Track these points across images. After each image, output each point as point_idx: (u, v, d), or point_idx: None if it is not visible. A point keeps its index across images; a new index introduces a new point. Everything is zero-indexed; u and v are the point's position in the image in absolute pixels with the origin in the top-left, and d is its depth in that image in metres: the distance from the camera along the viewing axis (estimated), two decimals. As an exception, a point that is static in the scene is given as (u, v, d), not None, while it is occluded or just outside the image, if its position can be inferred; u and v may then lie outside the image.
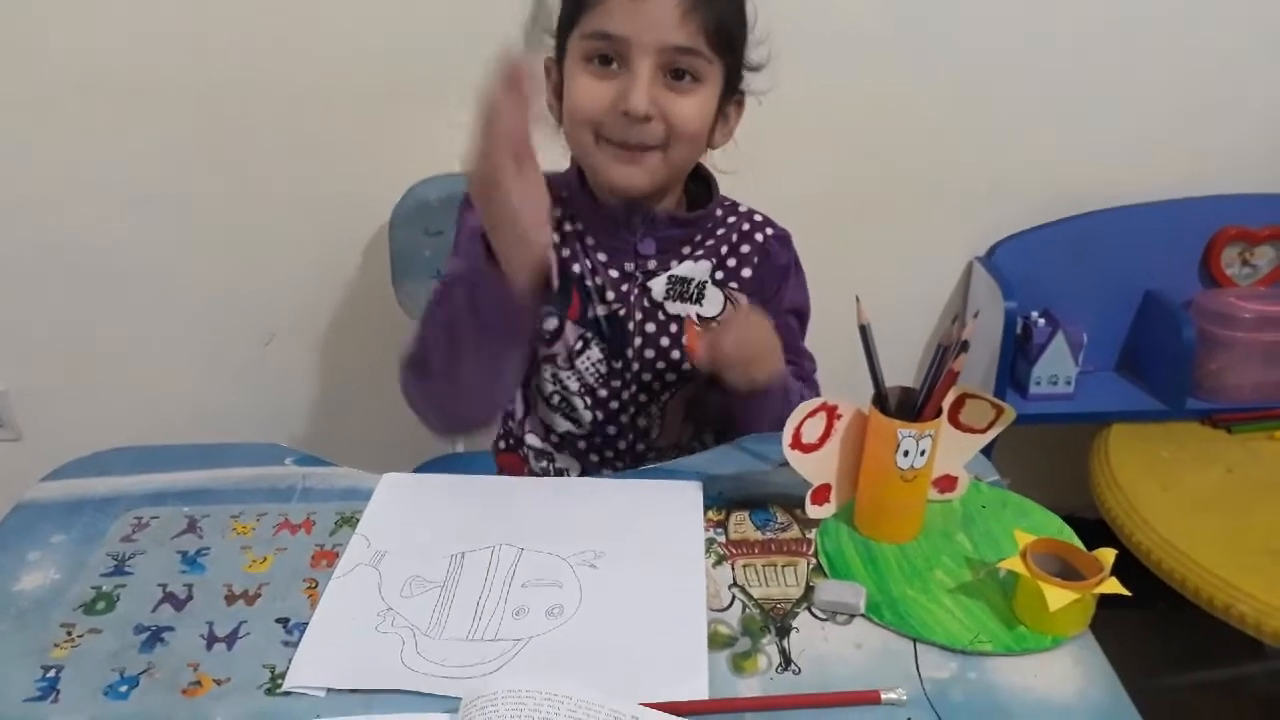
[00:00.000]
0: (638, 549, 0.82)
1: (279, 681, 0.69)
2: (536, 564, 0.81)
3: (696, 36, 0.89)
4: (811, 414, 0.81)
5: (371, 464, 0.94)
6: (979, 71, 1.55)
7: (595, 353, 1.03)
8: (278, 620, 0.75)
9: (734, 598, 0.77)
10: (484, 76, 0.76)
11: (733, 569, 0.81)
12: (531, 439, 1.10)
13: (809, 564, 0.81)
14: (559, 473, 1.10)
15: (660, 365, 1.04)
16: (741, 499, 0.89)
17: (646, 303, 1.02)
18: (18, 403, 1.67)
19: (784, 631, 0.74)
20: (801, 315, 1.13)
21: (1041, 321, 1.60)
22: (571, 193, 1.00)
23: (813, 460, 0.83)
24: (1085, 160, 1.63)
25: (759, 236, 1.06)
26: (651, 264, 1.02)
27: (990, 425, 0.84)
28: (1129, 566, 0.77)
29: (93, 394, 1.65)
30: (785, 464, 0.84)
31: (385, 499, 0.89)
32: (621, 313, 1.02)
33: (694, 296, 1.03)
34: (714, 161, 1.05)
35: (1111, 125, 1.60)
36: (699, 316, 1.04)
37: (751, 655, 0.72)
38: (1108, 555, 0.74)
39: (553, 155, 0.97)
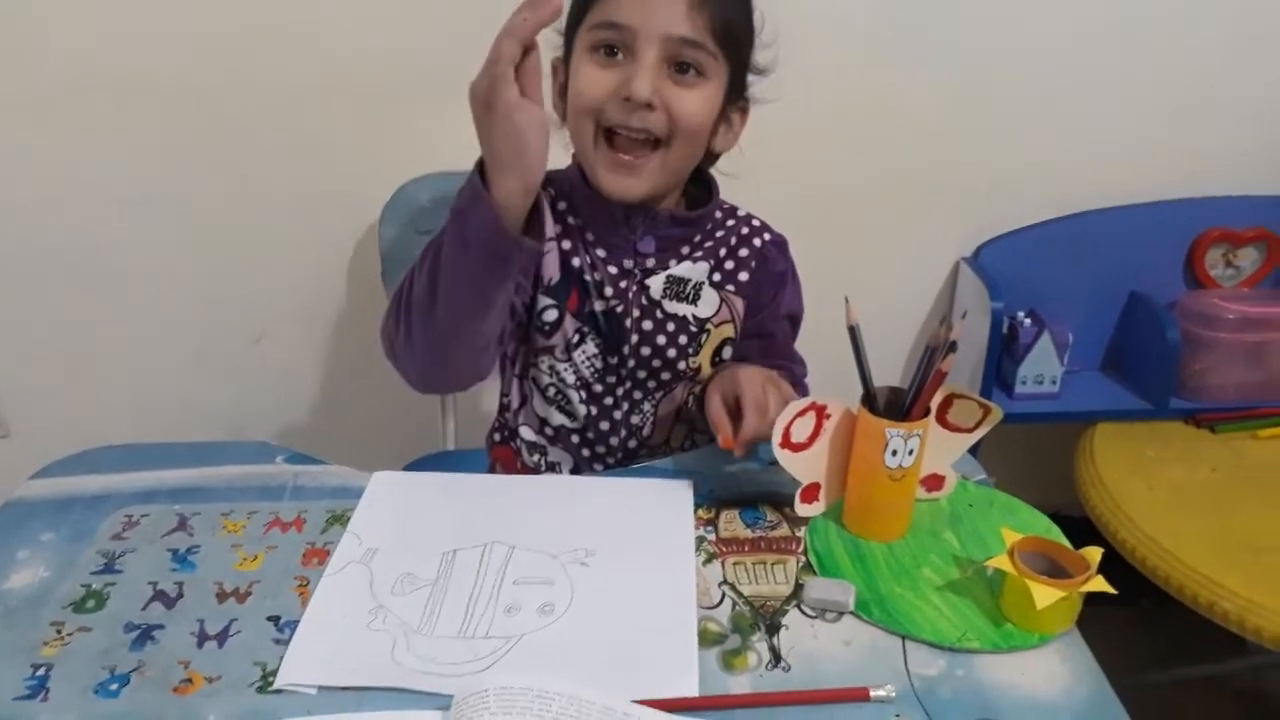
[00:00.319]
0: (629, 547, 0.83)
1: (270, 679, 0.69)
2: (528, 562, 0.81)
3: (703, 30, 0.90)
4: (801, 413, 0.82)
5: (362, 461, 0.94)
6: (967, 75, 1.56)
7: (591, 347, 1.03)
8: (269, 618, 0.75)
9: (724, 595, 0.78)
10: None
11: (723, 567, 0.81)
12: (525, 431, 1.11)
13: (798, 562, 0.82)
14: (551, 466, 1.10)
15: (656, 363, 1.04)
16: (731, 497, 0.90)
17: (644, 300, 1.03)
18: (7, 400, 1.66)
19: (774, 629, 0.75)
20: (796, 320, 1.14)
21: (1028, 321, 1.61)
22: (573, 188, 1.01)
23: (802, 459, 0.84)
24: (1071, 162, 1.64)
25: (756, 241, 1.07)
26: (650, 262, 1.02)
27: (978, 425, 0.85)
28: (1114, 564, 0.78)
29: (82, 392, 1.64)
30: (775, 463, 0.85)
31: (376, 497, 0.89)
32: (619, 309, 1.02)
33: (690, 297, 1.04)
34: (716, 165, 1.05)
35: (1097, 128, 1.61)
36: (695, 317, 1.04)
37: (742, 652, 0.72)
38: (1094, 554, 0.75)
39: (556, 154, 0.98)
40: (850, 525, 0.85)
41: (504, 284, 0.85)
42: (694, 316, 1.04)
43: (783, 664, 0.71)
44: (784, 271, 1.10)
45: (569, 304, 1.02)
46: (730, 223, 1.07)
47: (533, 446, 1.11)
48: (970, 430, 0.86)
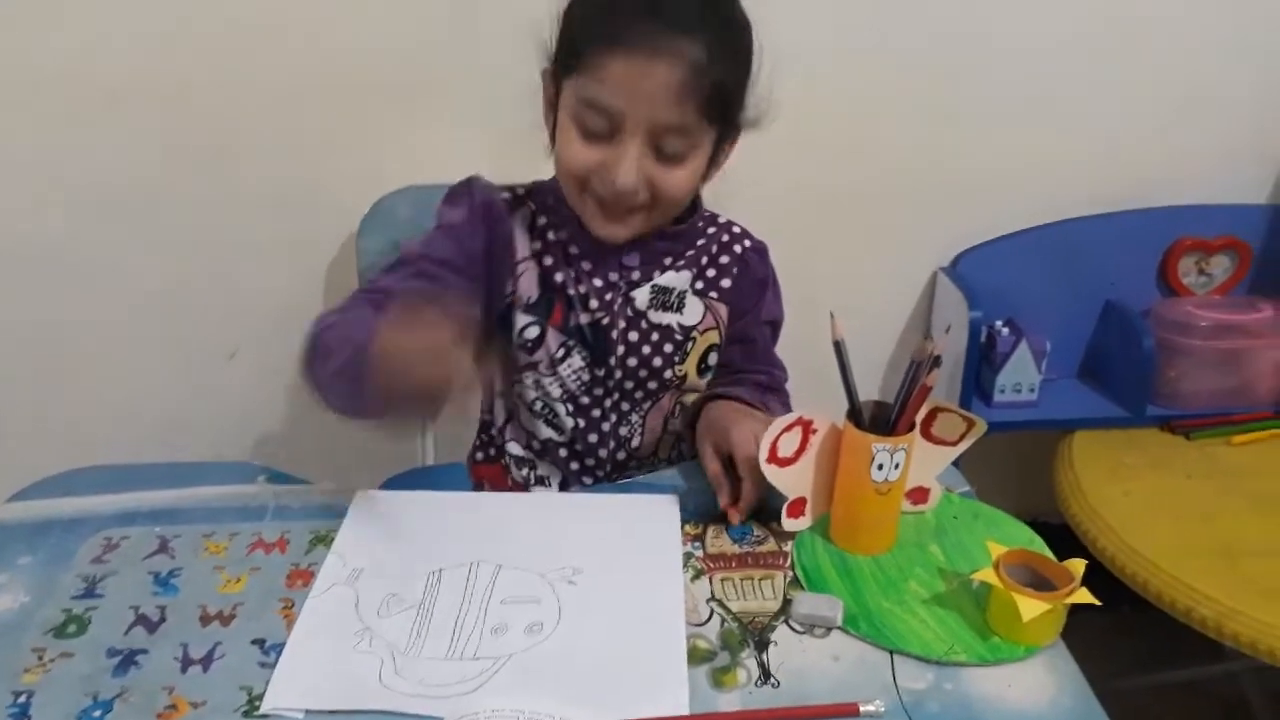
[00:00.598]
0: (616, 564, 0.83)
1: (256, 703, 0.68)
2: (514, 581, 0.81)
3: (692, 113, 0.89)
4: (787, 428, 0.82)
5: (340, 477, 0.93)
6: (941, 86, 1.57)
7: (578, 360, 1.03)
8: (254, 641, 0.74)
9: (712, 612, 0.78)
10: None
11: (710, 583, 0.81)
12: (513, 446, 1.11)
13: (786, 577, 0.82)
14: (540, 480, 1.10)
15: (643, 373, 1.04)
16: (718, 513, 0.90)
17: (630, 312, 1.03)
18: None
19: (762, 645, 0.75)
20: (776, 326, 1.15)
21: (1005, 331, 1.62)
22: (557, 201, 1.00)
23: (788, 474, 0.84)
24: (1045, 172, 1.65)
25: (737, 248, 1.08)
26: (635, 274, 1.03)
27: (962, 438, 0.86)
28: (1093, 570, 0.79)
29: (57, 407, 1.62)
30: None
31: (360, 517, 0.89)
32: (605, 321, 1.02)
33: (675, 306, 1.04)
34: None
35: (1069, 138, 1.63)
36: (680, 326, 1.04)
37: (731, 669, 0.72)
38: (1078, 566, 0.76)
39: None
40: (837, 539, 0.85)
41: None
42: (679, 325, 1.05)
43: (772, 680, 0.72)
44: (765, 278, 1.10)
45: (552, 319, 1.02)
46: (711, 230, 1.08)
47: (521, 461, 1.10)
48: (954, 443, 0.86)
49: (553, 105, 0.96)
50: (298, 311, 1.60)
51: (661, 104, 0.87)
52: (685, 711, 0.68)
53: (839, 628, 0.76)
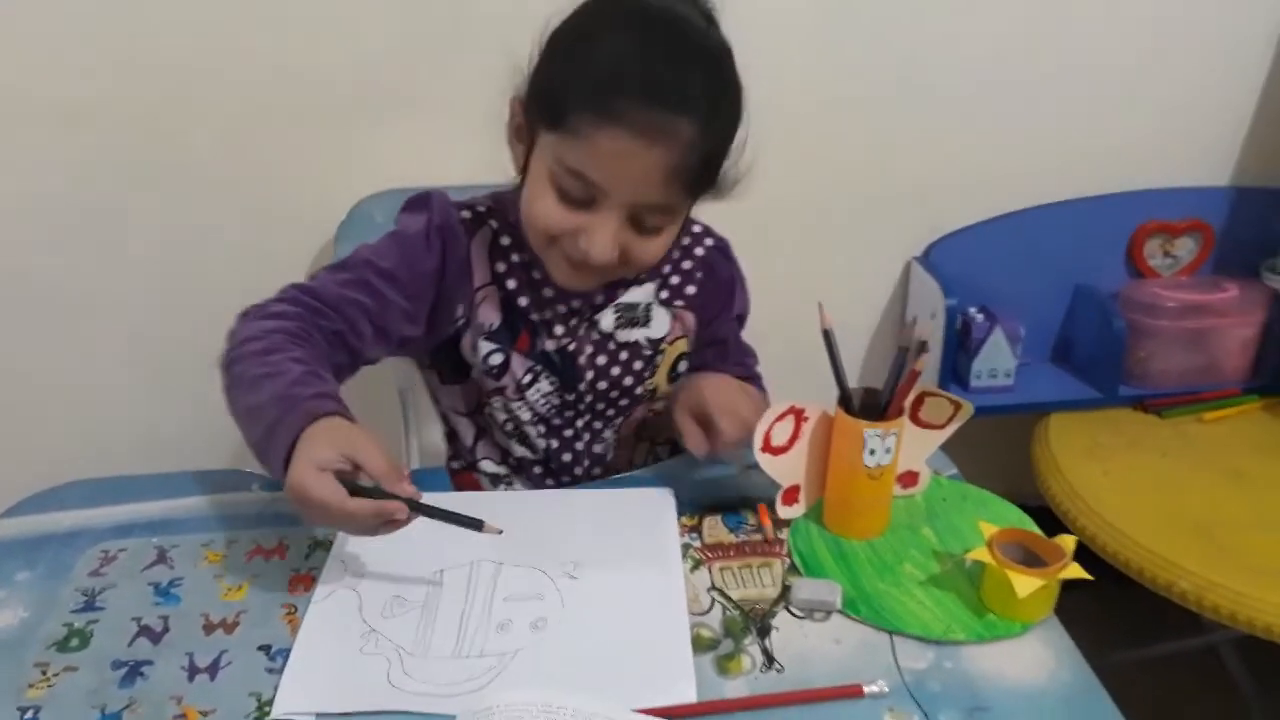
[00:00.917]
0: (615, 557, 0.84)
1: (266, 709, 0.69)
2: (516, 577, 0.81)
3: (678, 193, 0.86)
4: (780, 417, 0.83)
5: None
6: (907, 80, 1.59)
7: (546, 385, 1.01)
8: (259, 648, 0.74)
9: (713, 601, 0.79)
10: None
11: (710, 572, 0.82)
12: (486, 464, 1.09)
13: (783, 564, 0.83)
14: None
15: (614, 394, 1.04)
16: (713, 504, 0.91)
17: (596, 335, 1.01)
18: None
19: (764, 631, 0.76)
20: (743, 318, 1.14)
21: (980, 317, 1.65)
22: (519, 219, 0.94)
23: (782, 462, 0.85)
24: (1013, 161, 1.68)
25: (699, 250, 1.06)
26: (599, 297, 1.00)
27: (949, 421, 0.87)
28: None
29: (39, 423, 1.60)
30: (752, 467, 0.86)
31: (358, 520, 0.89)
32: (571, 347, 1.01)
33: (642, 320, 1.03)
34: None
35: (1036, 127, 1.66)
36: (648, 340, 1.03)
37: (735, 656, 0.74)
38: (1069, 541, 0.78)
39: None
40: (831, 525, 0.87)
41: None
42: (647, 339, 1.03)
43: (776, 665, 0.73)
44: (730, 279, 1.09)
45: (518, 345, 1.00)
46: None
47: (495, 478, 1.09)
48: (942, 427, 0.88)
49: (521, 138, 0.91)
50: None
51: (649, 186, 0.84)
52: (693, 699, 0.69)
53: (839, 611, 0.78)
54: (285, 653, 0.73)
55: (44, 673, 0.72)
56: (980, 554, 0.77)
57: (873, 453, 0.81)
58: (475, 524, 0.78)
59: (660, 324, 1.04)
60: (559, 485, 1.08)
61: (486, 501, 0.99)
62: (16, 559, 0.83)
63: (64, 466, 0.99)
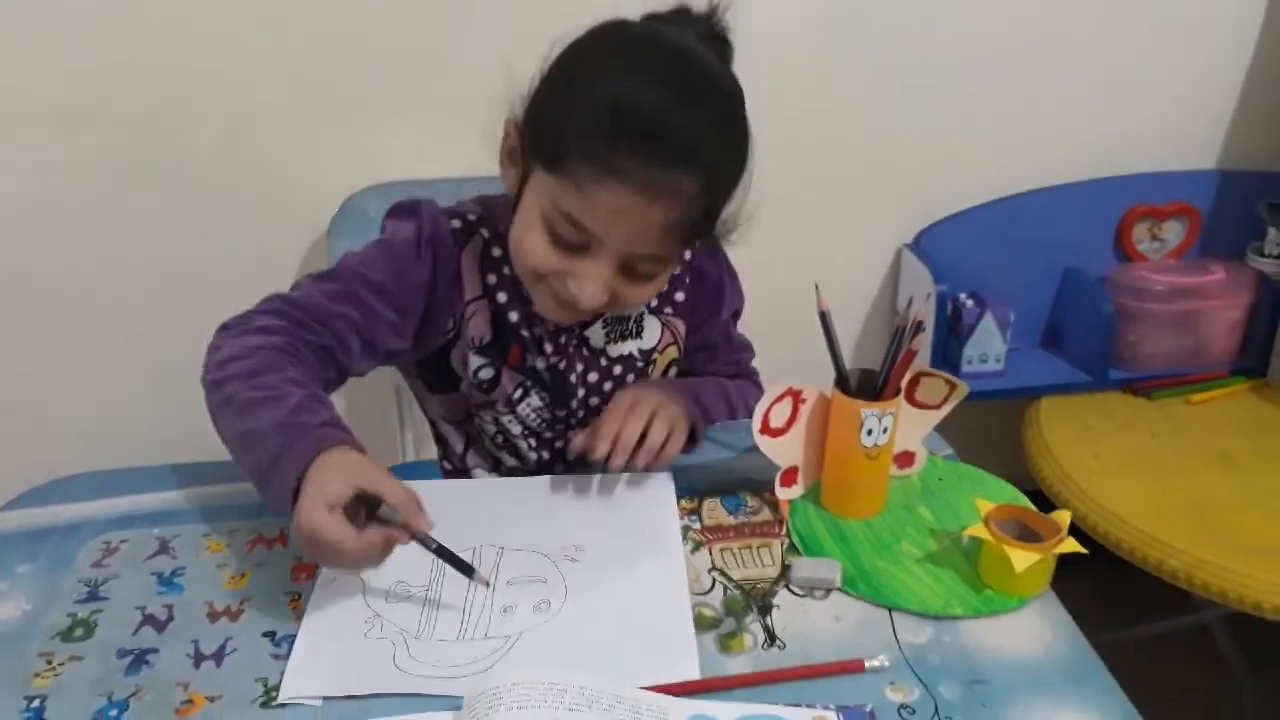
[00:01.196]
0: (616, 540, 0.85)
1: (273, 694, 0.69)
2: (519, 561, 0.82)
3: (675, 244, 0.84)
4: (778, 399, 0.84)
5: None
6: (899, 69, 1.60)
7: (536, 400, 1.00)
8: (265, 634, 0.75)
9: (714, 581, 0.80)
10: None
11: (710, 553, 0.83)
12: (478, 472, 1.07)
13: (783, 544, 0.84)
14: None
15: (605, 407, 0.99)
16: (711, 486, 0.92)
17: (586, 351, 1.00)
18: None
19: (765, 610, 0.77)
20: (737, 314, 1.12)
21: (970, 303, 1.66)
22: (508, 233, 0.91)
23: (780, 444, 0.86)
24: (1002, 148, 1.69)
25: (687, 254, 1.03)
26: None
27: (944, 401, 0.88)
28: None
29: (37, 421, 1.60)
30: (750, 450, 0.87)
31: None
32: (562, 365, 0.99)
33: (633, 332, 1.02)
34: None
35: (1025, 114, 1.67)
36: (640, 351, 1.02)
37: (737, 634, 0.74)
38: (1064, 516, 0.79)
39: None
40: (829, 505, 0.87)
41: None
42: (639, 351, 1.02)
43: (778, 643, 0.74)
44: (719, 278, 1.07)
45: (509, 359, 0.98)
46: None
47: None
48: (938, 406, 0.89)
49: (515, 161, 0.88)
50: (269, 315, 1.61)
51: (646, 239, 0.82)
52: (696, 676, 0.70)
53: (838, 589, 0.78)
54: (290, 639, 0.74)
55: (49, 662, 0.72)
56: (977, 530, 0.78)
57: (870, 432, 0.82)
58: (468, 569, 0.77)
59: (651, 333, 1.03)
60: None
61: (485, 488, 1.00)
62: (18, 551, 0.83)
63: (63, 465, 0.99)
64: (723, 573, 0.81)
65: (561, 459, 1.05)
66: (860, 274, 1.77)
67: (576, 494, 0.91)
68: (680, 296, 1.04)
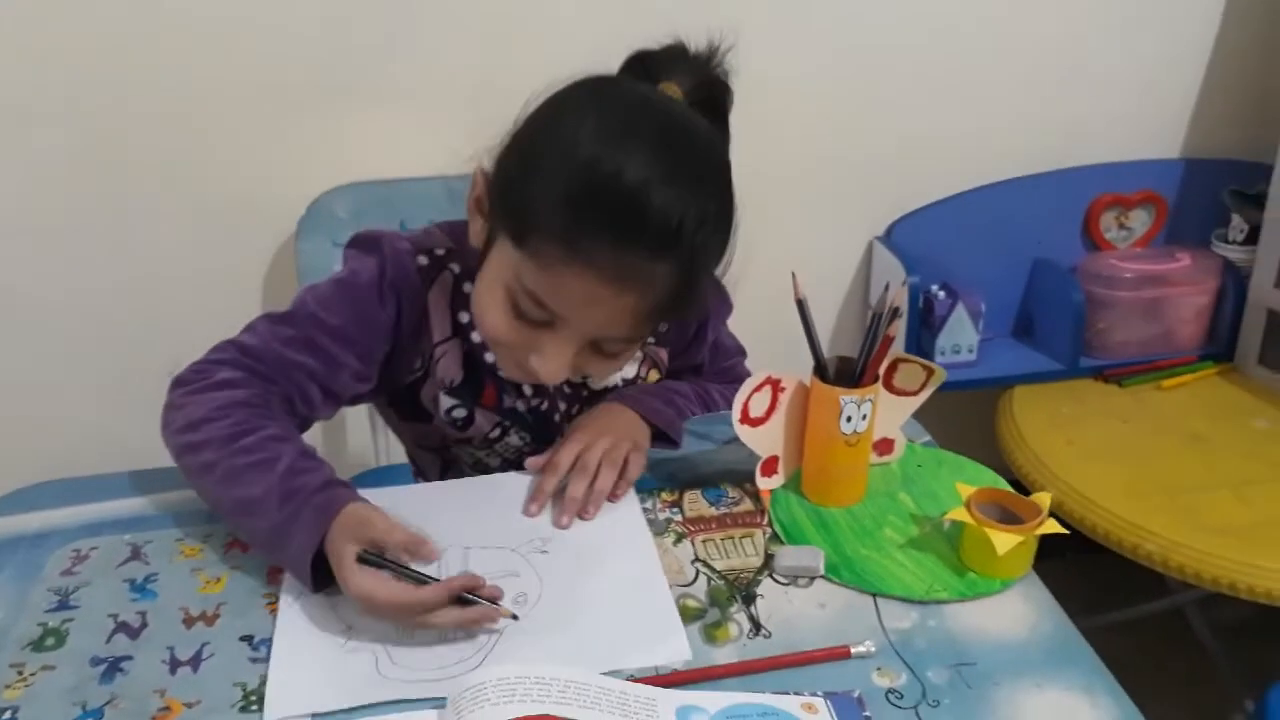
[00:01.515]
0: (582, 529, 0.84)
1: (252, 698, 0.68)
2: (487, 559, 0.80)
3: (645, 329, 0.80)
4: (757, 388, 0.84)
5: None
6: (865, 61, 1.61)
7: (515, 439, 0.97)
8: (242, 638, 0.73)
9: (698, 572, 0.79)
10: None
11: (693, 545, 0.82)
12: None
13: (765, 533, 0.84)
14: None
15: None
16: (692, 479, 0.91)
17: (568, 389, 0.97)
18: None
19: (750, 599, 0.76)
20: (724, 317, 1.09)
21: (942, 294, 1.66)
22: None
23: (760, 433, 0.86)
24: (970, 138, 1.70)
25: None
26: None
27: (922, 387, 0.88)
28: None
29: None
30: (729, 442, 0.87)
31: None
32: (544, 407, 0.96)
33: None
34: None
35: (992, 104, 1.68)
36: (623, 381, 0.99)
37: (722, 624, 0.74)
38: (1044, 498, 0.79)
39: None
40: (810, 494, 0.87)
41: None
42: (622, 380, 1.00)
43: (763, 631, 0.73)
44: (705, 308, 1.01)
45: (483, 401, 0.94)
46: None
47: None
48: (915, 393, 0.89)
49: (482, 211, 0.83)
50: (238, 320, 1.58)
51: (616, 325, 0.77)
52: (687, 656, 0.70)
53: (822, 577, 0.78)
54: (268, 642, 0.72)
55: (20, 673, 0.70)
56: (959, 514, 0.78)
57: (849, 419, 0.82)
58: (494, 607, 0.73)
59: (634, 363, 0.99)
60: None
61: (442, 490, 0.94)
62: (-16, 561, 0.81)
63: (28, 473, 0.96)
64: (706, 564, 0.80)
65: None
66: (832, 267, 1.78)
67: (531, 489, 0.89)
68: (664, 326, 1.00)
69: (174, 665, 0.71)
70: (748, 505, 0.87)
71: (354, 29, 1.42)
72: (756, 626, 0.74)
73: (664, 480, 0.91)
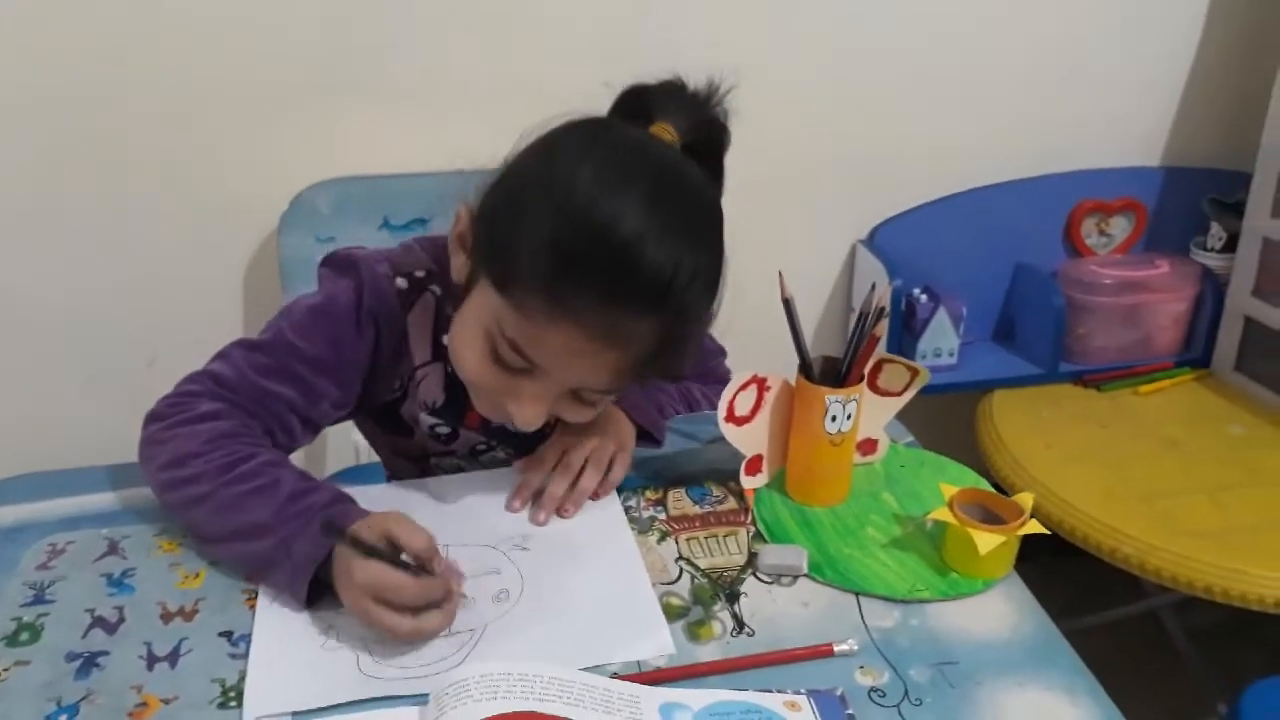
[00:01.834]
0: (562, 525, 0.84)
1: (231, 694, 0.67)
2: (467, 556, 0.79)
3: (626, 381, 0.78)
4: (743, 387, 0.84)
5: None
6: (848, 66, 1.62)
7: (501, 455, 0.96)
8: (221, 634, 0.72)
9: (681, 570, 0.79)
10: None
11: (677, 543, 0.82)
12: None
13: (749, 532, 0.84)
14: None
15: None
16: (676, 477, 0.91)
17: None
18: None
19: (733, 597, 0.76)
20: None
21: (924, 298, 1.67)
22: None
23: (745, 432, 0.86)
24: (953, 144, 1.71)
25: None
26: None
27: (906, 387, 0.89)
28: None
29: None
30: (714, 441, 0.86)
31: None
32: None
33: None
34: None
35: (975, 110, 1.70)
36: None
37: (706, 622, 0.74)
38: (1026, 499, 0.79)
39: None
40: (794, 493, 0.87)
41: None
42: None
43: (747, 629, 0.73)
44: None
45: (466, 421, 0.93)
46: None
47: None
48: (899, 393, 0.89)
49: (465, 248, 0.80)
50: (218, 315, 1.58)
51: (598, 378, 0.76)
52: (671, 650, 0.70)
53: (805, 575, 0.78)
54: (247, 638, 0.72)
55: (-7, 668, 0.69)
56: (942, 514, 0.78)
57: (834, 419, 0.82)
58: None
59: None
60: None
61: (418, 488, 0.91)
62: (-43, 555, 0.80)
63: (11, 471, 0.95)
64: (690, 562, 0.80)
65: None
66: (815, 270, 1.78)
67: (510, 485, 0.88)
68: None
69: (151, 661, 0.70)
70: (732, 504, 0.87)
71: (338, 21, 1.42)
72: (740, 625, 0.74)
73: (648, 478, 0.91)
